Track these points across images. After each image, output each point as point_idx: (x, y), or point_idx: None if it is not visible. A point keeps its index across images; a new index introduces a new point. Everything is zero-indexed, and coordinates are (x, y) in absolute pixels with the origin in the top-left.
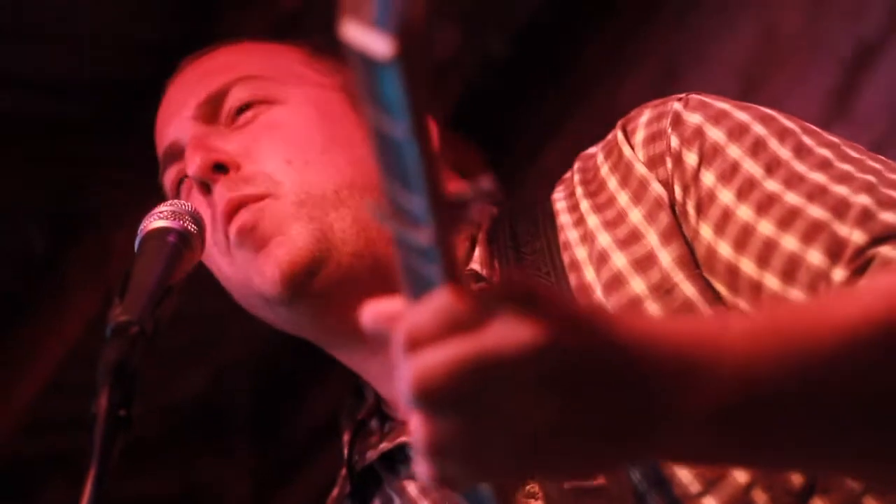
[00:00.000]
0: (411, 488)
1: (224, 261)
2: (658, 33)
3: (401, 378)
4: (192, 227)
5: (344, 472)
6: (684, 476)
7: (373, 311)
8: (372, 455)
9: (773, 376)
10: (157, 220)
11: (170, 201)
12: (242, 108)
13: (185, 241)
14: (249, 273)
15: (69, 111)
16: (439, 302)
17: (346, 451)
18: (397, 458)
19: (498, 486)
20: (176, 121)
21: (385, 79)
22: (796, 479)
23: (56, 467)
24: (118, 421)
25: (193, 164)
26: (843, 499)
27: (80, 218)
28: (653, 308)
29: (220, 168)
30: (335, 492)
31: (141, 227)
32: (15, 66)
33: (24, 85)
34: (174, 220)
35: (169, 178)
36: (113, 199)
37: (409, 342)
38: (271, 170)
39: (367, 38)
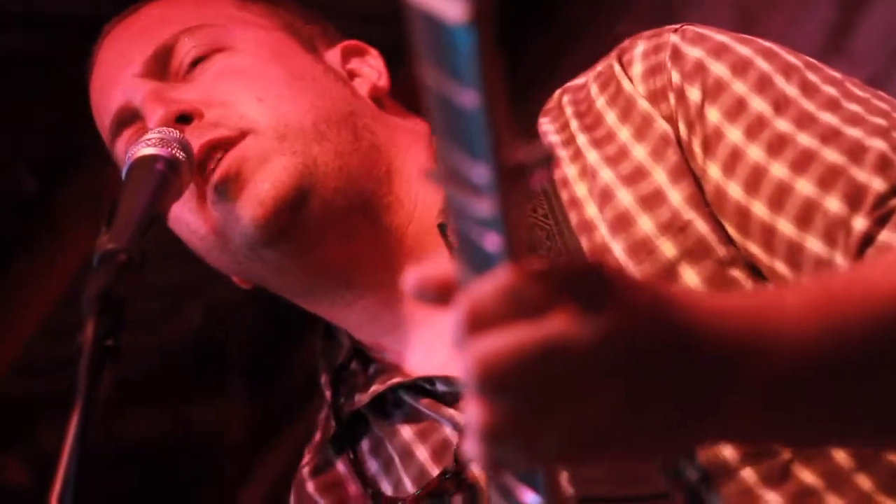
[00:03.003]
0: (405, 431)
1: (196, 218)
2: None
3: (462, 358)
4: (180, 155)
5: (324, 415)
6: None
7: (419, 275)
8: (363, 398)
9: (829, 350)
10: (144, 147)
11: (157, 128)
12: (196, 62)
13: (174, 168)
14: (229, 222)
15: (57, 48)
16: (504, 281)
17: (328, 394)
18: (388, 401)
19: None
20: (122, 82)
21: (456, 43)
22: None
23: (50, 408)
24: (105, 351)
25: (155, 116)
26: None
27: (72, 156)
28: (666, 247)
29: (184, 119)
30: (317, 436)
31: (128, 154)
32: (1, 4)
33: (12, 22)
34: (162, 147)
35: (124, 141)
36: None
37: (472, 322)
38: (243, 110)
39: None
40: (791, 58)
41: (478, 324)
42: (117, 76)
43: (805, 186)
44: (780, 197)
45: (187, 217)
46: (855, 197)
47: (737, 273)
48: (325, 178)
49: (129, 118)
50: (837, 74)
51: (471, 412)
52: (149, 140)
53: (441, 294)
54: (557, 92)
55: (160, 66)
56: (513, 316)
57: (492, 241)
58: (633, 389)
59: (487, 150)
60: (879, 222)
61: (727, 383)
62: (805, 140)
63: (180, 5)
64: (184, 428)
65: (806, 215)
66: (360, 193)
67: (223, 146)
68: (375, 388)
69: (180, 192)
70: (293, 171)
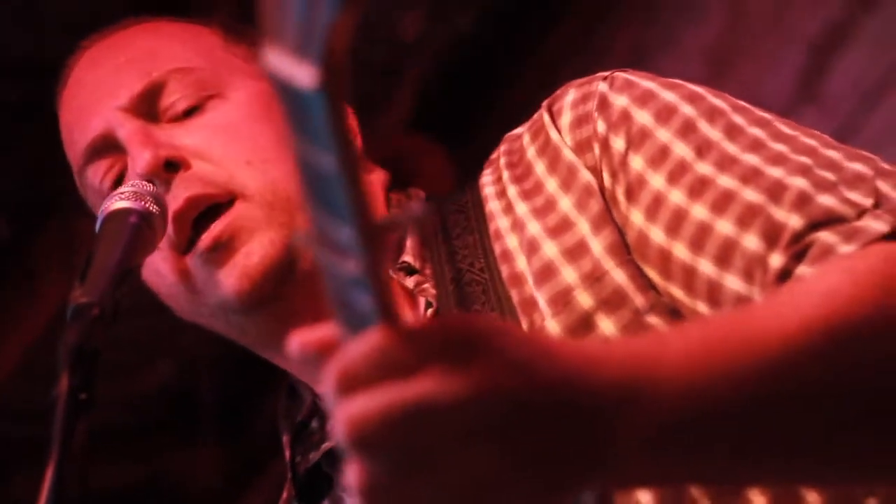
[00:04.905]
0: None
1: (167, 265)
2: (626, 17)
3: (334, 419)
4: (153, 208)
5: (290, 476)
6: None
7: (302, 339)
8: (315, 456)
9: (712, 394)
10: (118, 200)
11: (131, 182)
12: (189, 111)
13: (147, 221)
14: (208, 283)
15: (31, 95)
16: (374, 343)
17: (287, 454)
18: (345, 457)
19: None
20: (103, 111)
21: (309, 108)
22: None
23: (26, 455)
24: (79, 404)
25: (143, 160)
26: None
27: (45, 204)
28: (583, 297)
29: (171, 166)
30: (284, 495)
31: (102, 208)
32: None
33: None
34: (135, 200)
35: (98, 171)
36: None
37: (342, 384)
38: (232, 171)
39: (290, 66)
40: (717, 101)
41: (348, 386)
42: (98, 104)
43: (724, 226)
44: (700, 238)
45: (157, 262)
46: (772, 234)
47: (654, 320)
48: (305, 250)
49: (106, 148)
50: (767, 115)
51: (349, 473)
52: (122, 193)
53: (324, 356)
54: (502, 141)
55: (147, 104)
56: (382, 377)
57: (362, 301)
58: (508, 446)
59: (348, 211)
60: (796, 257)
61: (610, 433)
62: (725, 181)
63: (168, 38)
64: (156, 478)
65: (725, 254)
66: None
67: (208, 202)
68: (327, 444)
69: (154, 245)
70: (280, 245)
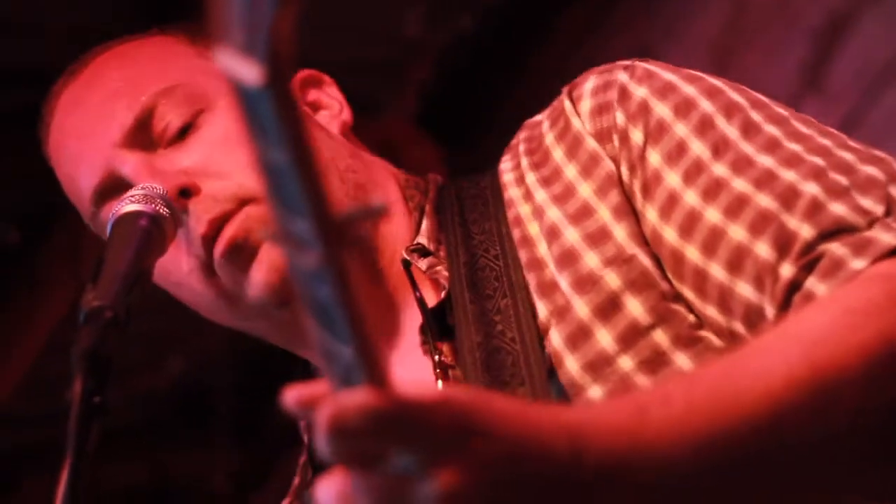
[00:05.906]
0: None
1: (204, 284)
2: (629, 9)
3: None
4: (164, 211)
5: (304, 459)
6: None
7: (296, 395)
8: None
9: (698, 464)
10: (128, 204)
11: (141, 185)
12: (183, 130)
13: (158, 224)
14: (242, 287)
15: (38, 103)
16: (371, 407)
17: (305, 438)
18: None
19: None
20: (100, 151)
21: (259, 105)
22: None
23: (34, 459)
24: (93, 408)
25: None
26: None
27: (52, 211)
28: (611, 277)
29: (184, 193)
30: (296, 481)
31: (113, 211)
32: None
33: None
34: (146, 203)
35: (109, 212)
36: None
37: (339, 448)
38: (240, 180)
39: (238, 64)
40: (736, 96)
41: (348, 453)
42: (92, 147)
43: (737, 232)
44: (712, 242)
45: (195, 286)
46: (784, 243)
47: (679, 307)
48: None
49: (115, 188)
50: (784, 111)
51: None
52: (132, 197)
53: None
54: (521, 128)
55: (143, 134)
56: (379, 454)
57: (324, 293)
58: None
59: (305, 205)
60: (806, 269)
61: None
62: (740, 185)
63: (141, 62)
64: (166, 478)
65: (737, 261)
66: (360, 249)
67: (228, 218)
68: None
69: (164, 248)
70: None
